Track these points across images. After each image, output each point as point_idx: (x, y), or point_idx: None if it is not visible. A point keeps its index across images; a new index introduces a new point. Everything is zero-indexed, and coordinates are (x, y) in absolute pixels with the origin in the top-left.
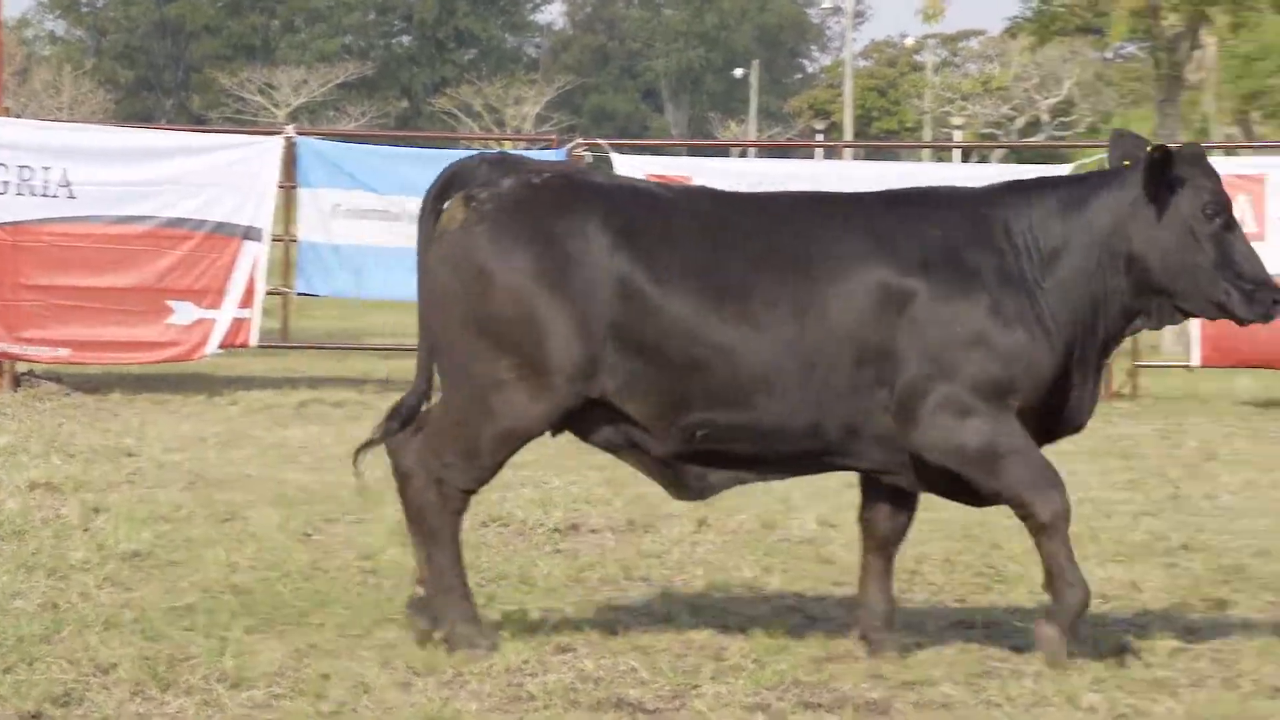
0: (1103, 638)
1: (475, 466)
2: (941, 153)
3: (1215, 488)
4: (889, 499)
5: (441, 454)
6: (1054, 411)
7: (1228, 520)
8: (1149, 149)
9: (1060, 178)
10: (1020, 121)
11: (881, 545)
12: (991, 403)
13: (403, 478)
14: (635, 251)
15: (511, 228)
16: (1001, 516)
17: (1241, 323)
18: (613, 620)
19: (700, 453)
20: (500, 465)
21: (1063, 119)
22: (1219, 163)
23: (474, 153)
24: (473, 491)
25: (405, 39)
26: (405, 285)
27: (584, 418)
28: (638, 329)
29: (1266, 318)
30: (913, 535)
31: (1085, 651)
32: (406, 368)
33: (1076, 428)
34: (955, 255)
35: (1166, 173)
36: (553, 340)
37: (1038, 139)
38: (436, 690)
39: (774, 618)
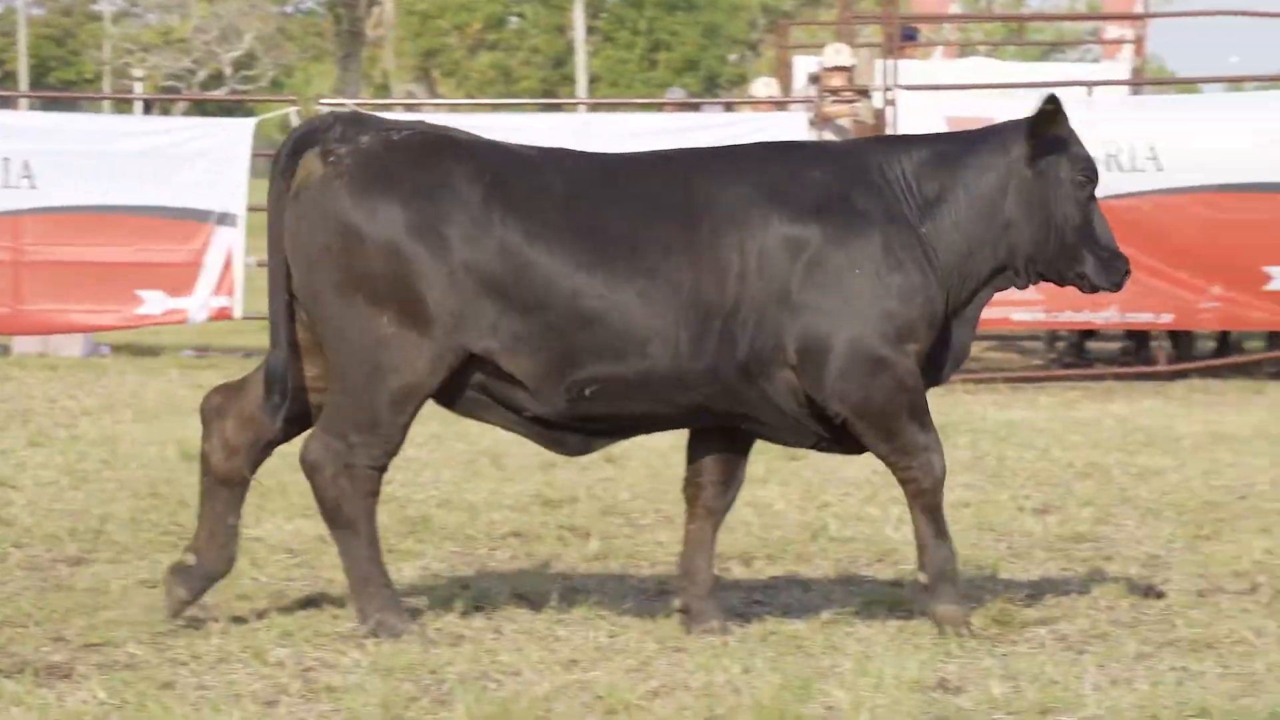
0: (296, 593)
1: (381, 438)
2: (123, 104)
3: None
4: (721, 467)
5: (345, 435)
6: (929, 360)
7: (413, 473)
8: (1044, 100)
9: (938, 134)
10: (202, 74)
11: (709, 514)
12: (898, 350)
13: (310, 469)
14: (509, 206)
15: (375, 182)
16: (190, 475)
17: (1093, 290)
18: None
19: (581, 414)
20: (403, 432)
21: (245, 72)
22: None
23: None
24: (383, 468)
25: None
26: None
27: (456, 383)
28: (517, 286)
29: (1118, 286)
30: (99, 494)
31: (271, 610)
32: None
33: (939, 380)
34: (845, 200)
35: (1054, 128)
36: (429, 291)
37: (220, 92)
38: None
39: None
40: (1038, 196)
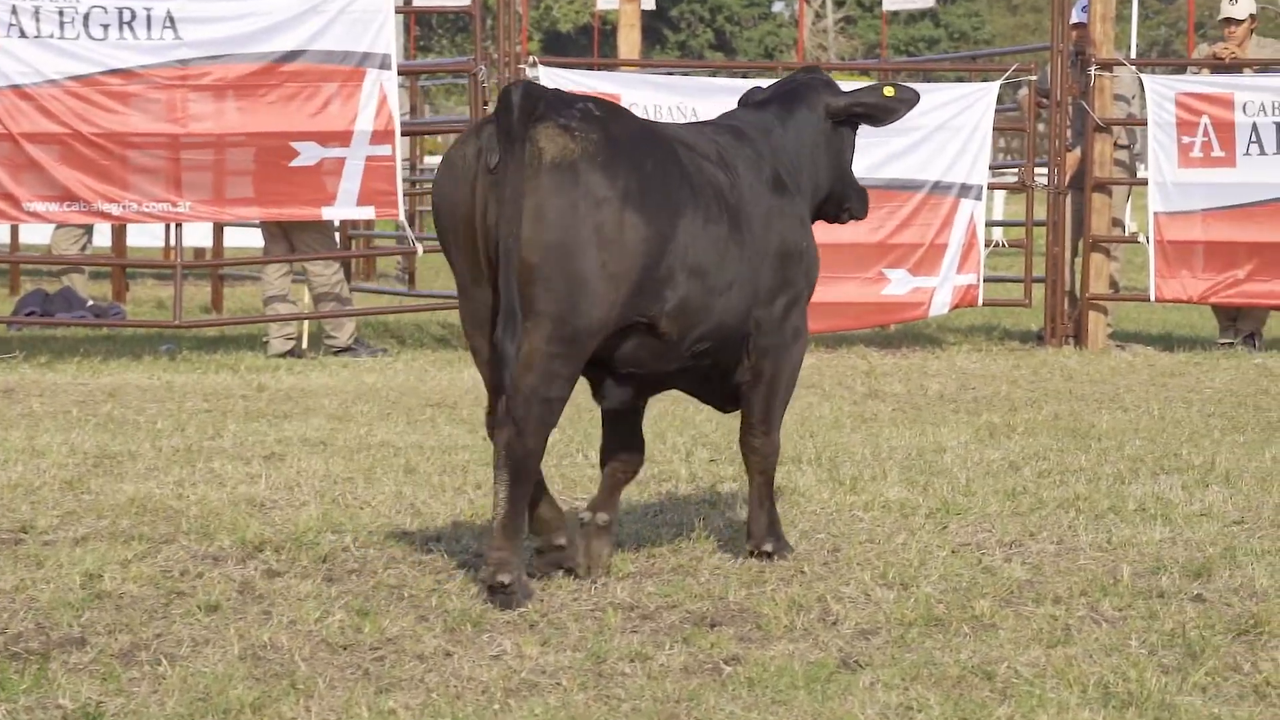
0: None
1: (565, 400)
2: None
3: None
4: (633, 443)
5: (545, 395)
6: None
7: None
8: (807, 69)
9: (764, 102)
10: None
11: (620, 478)
12: (806, 322)
13: (511, 423)
14: (693, 183)
15: (621, 160)
16: None
17: (847, 220)
18: None
19: (682, 368)
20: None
21: None
22: None
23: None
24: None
25: None
26: None
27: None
28: (696, 254)
29: (864, 216)
30: None
31: None
32: None
33: None
34: (779, 178)
35: (827, 95)
36: (648, 259)
37: None
38: None
39: None
40: (836, 145)
